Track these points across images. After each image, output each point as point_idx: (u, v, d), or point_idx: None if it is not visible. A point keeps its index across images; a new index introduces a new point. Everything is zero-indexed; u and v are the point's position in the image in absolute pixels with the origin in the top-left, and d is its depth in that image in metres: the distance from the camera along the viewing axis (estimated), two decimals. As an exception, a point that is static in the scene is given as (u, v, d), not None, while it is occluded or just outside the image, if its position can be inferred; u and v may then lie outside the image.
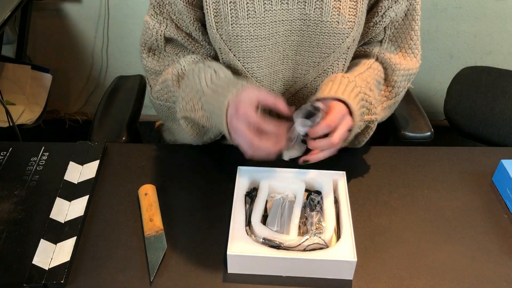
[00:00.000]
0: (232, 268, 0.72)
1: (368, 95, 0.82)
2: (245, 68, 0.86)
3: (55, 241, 0.75)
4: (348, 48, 0.87)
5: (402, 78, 0.94)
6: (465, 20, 1.87)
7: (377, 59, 0.93)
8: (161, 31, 0.89)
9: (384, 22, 0.89)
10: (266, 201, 0.80)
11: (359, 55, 0.95)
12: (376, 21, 0.89)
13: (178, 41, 0.90)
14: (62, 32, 1.93)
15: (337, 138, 0.74)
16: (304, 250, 0.72)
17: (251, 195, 0.81)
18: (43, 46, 1.97)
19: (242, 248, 0.71)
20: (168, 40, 0.91)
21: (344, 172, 0.84)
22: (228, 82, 0.79)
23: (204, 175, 0.90)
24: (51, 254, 0.73)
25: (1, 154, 0.92)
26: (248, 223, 0.76)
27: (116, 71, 2.05)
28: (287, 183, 0.82)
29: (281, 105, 0.74)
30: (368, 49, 0.94)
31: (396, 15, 0.89)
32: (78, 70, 2.05)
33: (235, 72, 0.88)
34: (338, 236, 0.75)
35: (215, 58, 0.93)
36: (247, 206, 0.79)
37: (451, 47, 1.96)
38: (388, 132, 1.10)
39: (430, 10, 1.84)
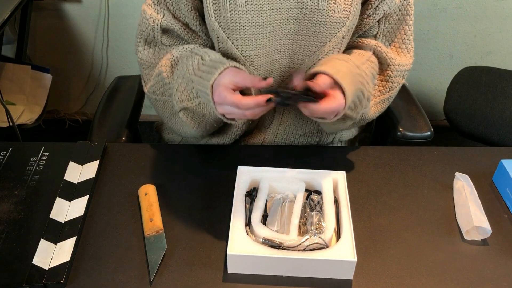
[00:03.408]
0: (232, 268, 0.72)
1: (363, 94, 0.82)
2: (243, 56, 0.87)
3: (55, 241, 0.75)
4: (343, 38, 0.87)
5: (397, 73, 0.94)
6: (465, 20, 1.87)
7: (373, 53, 0.94)
8: (158, 21, 0.89)
9: (378, 14, 0.90)
10: (266, 201, 0.80)
11: (355, 46, 0.95)
12: (369, 13, 0.90)
13: (175, 31, 0.91)
14: (62, 32, 1.93)
15: (321, 114, 0.76)
16: (304, 250, 0.72)
17: (251, 195, 0.81)
18: (43, 46, 1.97)
19: (242, 248, 0.71)
20: (164, 31, 0.92)
21: (344, 172, 0.84)
22: (212, 65, 0.80)
23: (204, 175, 0.90)
24: (51, 254, 0.73)
25: (1, 154, 0.92)
26: (248, 223, 0.76)
27: (116, 71, 2.05)
28: (287, 183, 0.82)
29: (261, 84, 0.75)
30: (365, 41, 0.94)
31: (389, 9, 0.90)
32: (78, 70, 2.05)
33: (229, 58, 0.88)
34: (338, 236, 0.75)
35: (212, 49, 0.92)
36: (247, 206, 0.79)
37: (451, 47, 1.96)
38: (387, 132, 1.10)
39: (430, 10, 1.84)
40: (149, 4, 0.90)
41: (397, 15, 0.92)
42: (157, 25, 0.89)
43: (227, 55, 0.88)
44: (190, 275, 0.72)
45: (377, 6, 0.89)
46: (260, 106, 0.74)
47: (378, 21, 0.92)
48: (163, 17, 0.89)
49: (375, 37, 0.95)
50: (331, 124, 0.86)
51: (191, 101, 0.85)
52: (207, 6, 0.84)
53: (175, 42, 0.93)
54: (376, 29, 0.93)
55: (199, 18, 0.89)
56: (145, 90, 0.98)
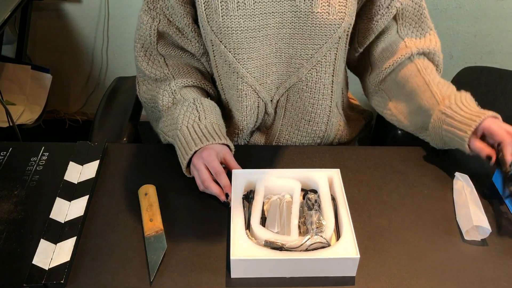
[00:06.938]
0: (236, 272, 0.71)
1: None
2: (236, 59, 0.87)
3: (55, 241, 0.75)
4: (339, 39, 0.87)
5: (440, 53, 0.97)
6: (465, 20, 1.87)
7: (422, 54, 0.95)
8: (155, 26, 0.91)
9: (391, 12, 0.90)
10: (263, 203, 0.80)
11: (401, 66, 0.95)
12: (382, 13, 0.90)
13: (170, 36, 0.93)
14: (62, 32, 1.93)
15: None
16: (307, 250, 0.72)
17: (249, 198, 0.80)
18: (43, 46, 1.97)
19: (245, 252, 0.71)
20: (160, 36, 0.93)
21: (338, 169, 0.84)
22: (205, 134, 0.85)
23: (204, 175, 0.89)
24: (51, 254, 0.73)
25: (1, 154, 0.92)
26: (248, 226, 0.76)
27: (116, 71, 2.05)
28: (282, 184, 0.82)
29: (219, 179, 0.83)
30: (403, 52, 0.93)
31: (401, 4, 0.90)
32: (78, 70, 2.05)
33: (227, 66, 0.89)
34: (337, 234, 0.75)
35: (204, 54, 0.95)
36: (245, 209, 0.79)
37: (451, 47, 1.96)
38: (387, 132, 1.10)
39: (430, 10, 1.83)
40: (145, 10, 0.92)
41: (411, 7, 0.92)
42: (153, 30, 0.92)
43: (221, 58, 0.89)
44: (190, 275, 0.72)
45: (389, 5, 0.89)
46: (218, 194, 0.81)
47: (394, 18, 0.93)
48: (159, 22, 0.91)
49: (397, 33, 0.95)
50: None
51: (170, 138, 0.89)
52: (200, 11, 0.85)
53: (170, 50, 0.95)
54: (394, 26, 0.94)
55: (191, 25, 0.90)
56: (137, 91, 1.01)
